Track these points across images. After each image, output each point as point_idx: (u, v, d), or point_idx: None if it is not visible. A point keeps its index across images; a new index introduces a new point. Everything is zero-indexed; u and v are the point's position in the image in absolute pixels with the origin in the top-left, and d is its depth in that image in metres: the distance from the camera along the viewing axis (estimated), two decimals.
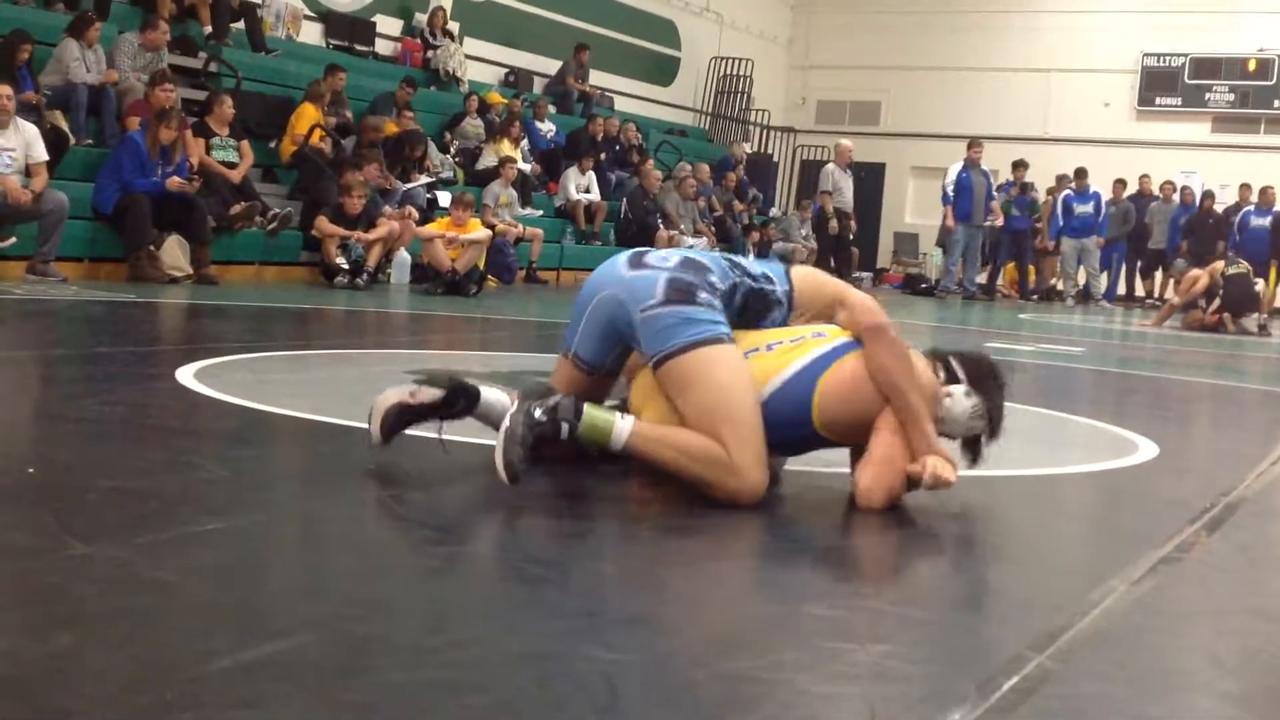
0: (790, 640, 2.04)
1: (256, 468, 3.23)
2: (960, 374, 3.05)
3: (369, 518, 2.75)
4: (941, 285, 17.16)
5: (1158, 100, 20.05)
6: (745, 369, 2.92)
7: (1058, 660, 1.95)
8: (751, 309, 3.11)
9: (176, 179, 9.19)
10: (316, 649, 1.80)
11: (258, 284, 9.98)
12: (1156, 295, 18.19)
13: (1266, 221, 16.71)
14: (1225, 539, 3.03)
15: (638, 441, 2.86)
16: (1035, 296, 17.48)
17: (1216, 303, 12.09)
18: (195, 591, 2.04)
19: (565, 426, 2.84)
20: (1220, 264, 12.65)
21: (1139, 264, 18.52)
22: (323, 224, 10.24)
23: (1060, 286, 17.90)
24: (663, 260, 3.05)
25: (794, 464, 3.30)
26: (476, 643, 1.87)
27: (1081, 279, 17.32)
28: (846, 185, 16.46)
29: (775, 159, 20.57)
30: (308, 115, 11.28)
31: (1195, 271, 12.96)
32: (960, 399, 3.00)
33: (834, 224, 14.50)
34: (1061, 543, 2.92)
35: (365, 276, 10.17)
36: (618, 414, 2.90)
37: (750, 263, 3.23)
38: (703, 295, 2.96)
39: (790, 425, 2.95)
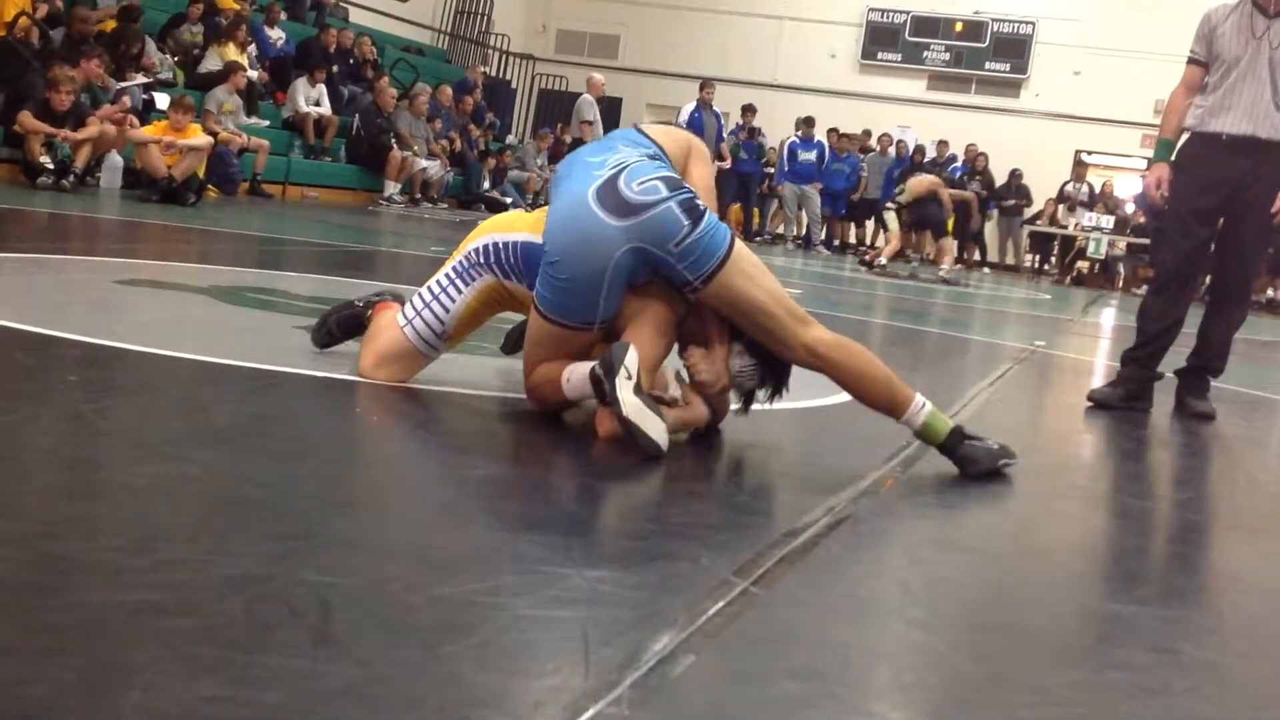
0: (508, 566, 2.07)
1: None
2: (743, 338, 3.15)
3: (70, 432, 2.60)
4: None
5: (879, 55, 20.90)
6: None
7: (762, 587, 2.04)
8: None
9: None
10: (7, 567, 1.71)
11: None
12: (868, 242, 19.09)
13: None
14: (918, 475, 3.23)
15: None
16: (759, 239, 18.03)
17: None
18: None
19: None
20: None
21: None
22: (26, 120, 9.56)
23: (783, 231, 18.52)
24: (639, 190, 3.00)
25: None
26: (184, 564, 1.81)
27: (803, 224, 17.99)
28: (598, 117, 16.52)
29: (514, 86, 20.39)
30: (13, 1, 10.48)
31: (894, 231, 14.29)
32: (733, 356, 3.10)
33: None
34: (768, 477, 3.05)
35: (72, 178, 9.57)
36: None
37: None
38: (690, 194, 3.05)
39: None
